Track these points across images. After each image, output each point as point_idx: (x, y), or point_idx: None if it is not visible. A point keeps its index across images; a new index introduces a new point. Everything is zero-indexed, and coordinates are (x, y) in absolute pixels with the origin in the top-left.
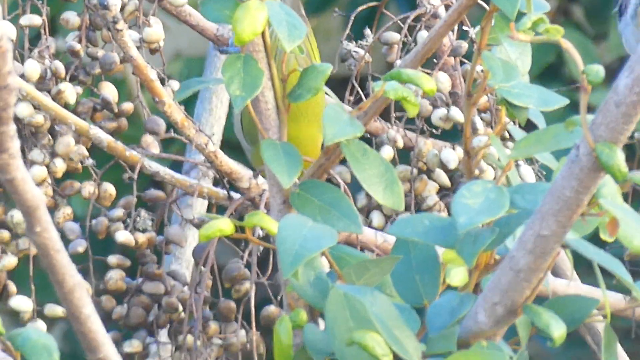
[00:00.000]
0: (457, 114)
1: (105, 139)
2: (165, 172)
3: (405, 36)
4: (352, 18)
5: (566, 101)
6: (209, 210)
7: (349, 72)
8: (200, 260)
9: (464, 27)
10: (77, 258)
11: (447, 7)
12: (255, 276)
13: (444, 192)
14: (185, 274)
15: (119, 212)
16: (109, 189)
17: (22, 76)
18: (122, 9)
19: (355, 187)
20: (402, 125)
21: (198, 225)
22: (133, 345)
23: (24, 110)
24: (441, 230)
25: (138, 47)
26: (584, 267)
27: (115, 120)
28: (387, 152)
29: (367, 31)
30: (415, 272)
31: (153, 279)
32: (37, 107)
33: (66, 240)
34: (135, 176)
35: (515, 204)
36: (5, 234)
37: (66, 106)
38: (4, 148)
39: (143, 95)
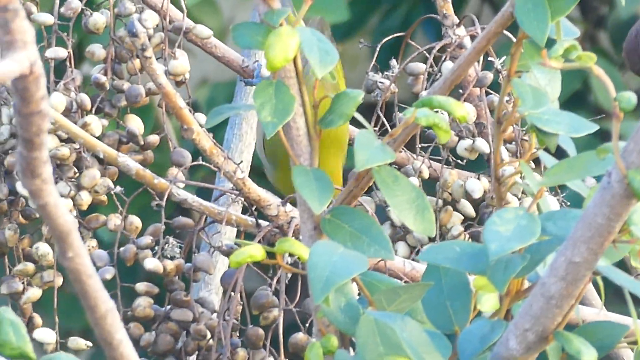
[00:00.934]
0: (482, 145)
1: (134, 167)
2: (193, 199)
3: (431, 66)
4: (378, 48)
5: (596, 127)
6: (237, 237)
7: (374, 101)
8: (229, 287)
9: (489, 58)
10: (105, 285)
11: (472, 37)
12: (283, 303)
13: (469, 223)
14: (213, 301)
15: (147, 239)
16: (135, 221)
17: None
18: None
19: (380, 216)
20: (427, 156)
21: (227, 252)
22: None
23: (50, 142)
24: (472, 257)
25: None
26: (609, 295)
27: (141, 152)
28: (413, 182)
29: (393, 62)
30: (446, 299)
31: (181, 306)
32: (63, 140)
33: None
34: (164, 203)
35: (546, 231)
36: (30, 267)
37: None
38: (37, 173)
39: (170, 121)
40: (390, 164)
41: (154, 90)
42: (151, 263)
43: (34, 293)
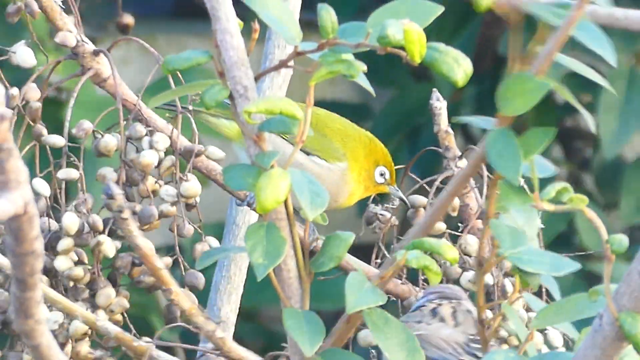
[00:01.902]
0: (486, 277)
1: (113, 330)
2: None
3: (432, 199)
4: None
5: (578, 266)
6: None
7: (374, 234)
8: None
9: None
10: None
11: None
12: None
13: None
14: None
15: None
16: None
17: (60, 229)
18: (159, 165)
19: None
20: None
21: None
22: None
23: (64, 263)
24: None
25: (175, 202)
26: None
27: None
28: None
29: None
30: None
31: None
32: (77, 262)
33: None
34: None
35: None
36: None
37: (105, 260)
38: (30, 314)
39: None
40: (394, 296)
41: (166, 212)
42: None
43: None
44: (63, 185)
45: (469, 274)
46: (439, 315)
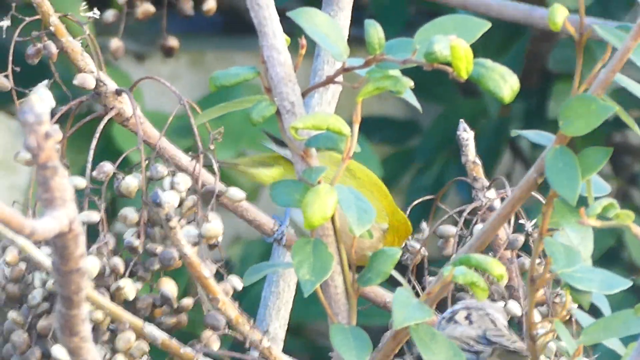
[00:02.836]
0: (514, 307)
1: (160, 336)
2: None
3: (461, 229)
4: (408, 211)
5: (629, 284)
6: None
7: (404, 263)
8: None
9: (520, 220)
10: None
11: (502, 200)
12: None
13: None
14: None
15: None
16: None
17: None
18: (180, 204)
19: None
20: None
21: None
22: None
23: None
24: None
25: (196, 243)
26: None
27: (175, 315)
28: None
29: (423, 224)
30: None
31: None
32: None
33: None
34: None
35: None
36: None
37: (125, 302)
38: (76, 331)
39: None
40: None
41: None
42: None
43: None
44: (85, 228)
45: (498, 305)
46: (453, 320)
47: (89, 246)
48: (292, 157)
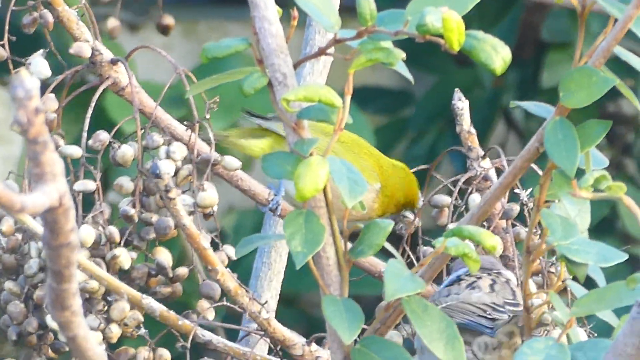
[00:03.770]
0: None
1: (158, 308)
2: (218, 340)
3: (456, 199)
4: None
5: (626, 256)
6: None
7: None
8: None
9: (515, 190)
10: None
11: (497, 169)
12: None
13: None
14: None
15: None
16: (164, 354)
17: None
18: (175, 174)
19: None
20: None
21: None
22: None
23: (78, 276)
24: None
25: (192, 212)
26: None
27: (170, 285)
28: None
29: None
30: None
31: None
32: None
33: None
34: (189, 345)
35: None
36: None
37: (121, 271)
38: (67, 305)
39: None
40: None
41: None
42: None
43: None
44: (80, 197)
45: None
46: (471, 286)
47: (84, 216)
48: (283, 129)
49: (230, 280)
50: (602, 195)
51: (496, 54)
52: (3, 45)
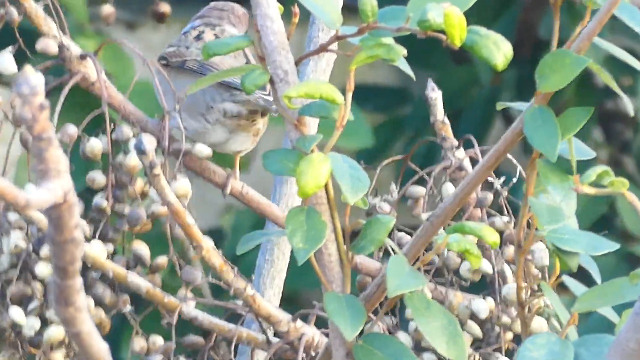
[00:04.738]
0: (486, 266)
1: (145, 285)
2: (203, 317)
3: (431, 189)
4: (378, 171)
5: (616, 246)
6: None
7: None
8: None
9: (488, 179)
10: None
11: (472, 159)
12: None
13: (477, 345)
14: None
15: (157, 358)
16: (157, 340)
17: (45, 235)
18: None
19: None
20: (431, 278)
21: None
22: None
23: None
24: None
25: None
26: None
27: (149, 275)
28: None
29: (392, 187)
30: None
31: None
32: None
33: None
34: (174, 322)
35: (579, 357)
36: None
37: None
38: (71, 301)
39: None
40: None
41: (158, 213)
42: None
43: None
44: None
45: (468, 264)
46: (202, 41)
47: None
48: (285, 125)
49: (216, 257)
50: (605, 191)
51: (498, 49)
52: None
